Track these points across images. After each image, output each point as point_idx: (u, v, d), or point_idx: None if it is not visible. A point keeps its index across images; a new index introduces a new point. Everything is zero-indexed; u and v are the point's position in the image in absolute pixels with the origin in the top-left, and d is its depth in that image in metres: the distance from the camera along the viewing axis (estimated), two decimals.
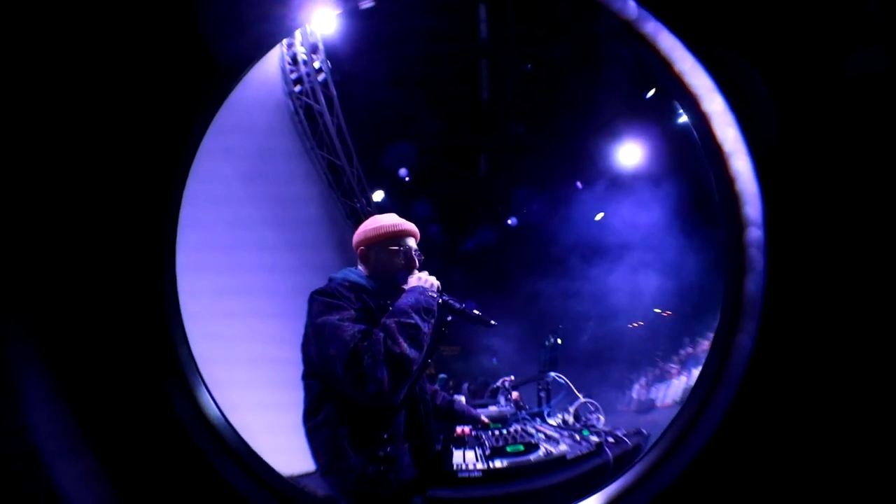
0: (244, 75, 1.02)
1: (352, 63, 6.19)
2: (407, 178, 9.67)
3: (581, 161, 9.72)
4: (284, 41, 4.86)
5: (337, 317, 1.49)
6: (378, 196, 8.98)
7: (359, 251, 1.80)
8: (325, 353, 1.44)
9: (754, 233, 0.89)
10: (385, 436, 1.47)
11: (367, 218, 5.74)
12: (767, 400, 0.86)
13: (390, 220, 1.82)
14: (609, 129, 8.54)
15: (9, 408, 0.80)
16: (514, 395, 3.72)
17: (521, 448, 1.66)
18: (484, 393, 6.10)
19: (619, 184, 9.60)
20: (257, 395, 4.00)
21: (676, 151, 7.49)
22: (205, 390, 1.01)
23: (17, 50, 0.79)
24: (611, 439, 1.84)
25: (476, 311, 1.72)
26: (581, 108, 8.16)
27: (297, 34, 4.99)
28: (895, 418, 0.81)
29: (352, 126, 6.61)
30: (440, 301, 1.66)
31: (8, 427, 0.80)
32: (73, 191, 0.85)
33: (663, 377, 9.80)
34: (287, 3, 0.93)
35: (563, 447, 1.71)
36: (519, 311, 12.40)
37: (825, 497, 0.84)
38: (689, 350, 9.53)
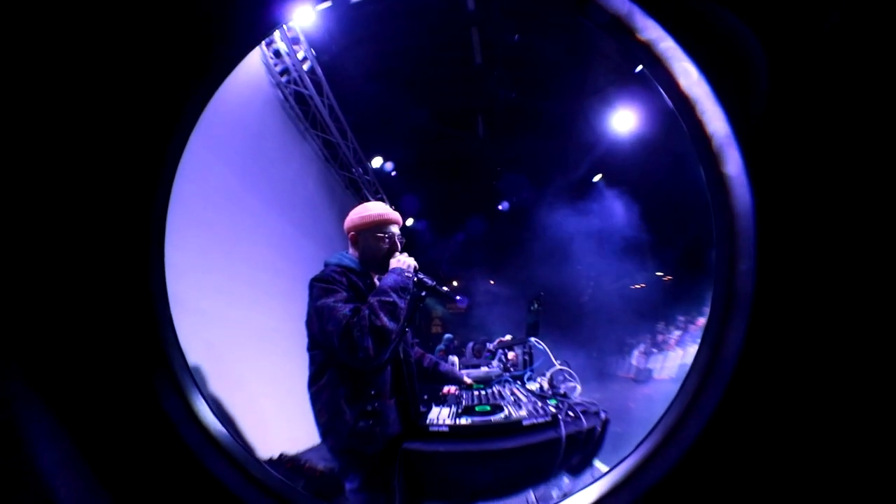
0: (232, 69, 1.03)
1: (339, 42, 6.23)
2: (393, 173, 9.83)
3: (576, 124, 9.72)
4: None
5: (332, 299, 1.77)
6: (377, 162, 9.15)
7: (349, 236, 2.07)
8: (325, 329, 1.73)
9: (744, 223, 0.88)
10: (372, 392, 1.81)
11: (365, 186, 6.01)
12: (758, 395, 0.86)
13: (376, 210, 2.07)
14: (602, 97, 8.53)
15: None
16: (511, 355, 3.96)
17: (488, 408, 1.88)
18: (483, 352, 6.41)
19: (613, 150, 9.67)
20: (263, 364, 4.34)
21: (670, 118, 7.47)
22: (192, 384, 1.03)
23: None
24: (571, 414, 1.88)
25: (444, 288, 2.09)
26: (573, 76, 8.14)
27: (276, 32, 5.05)
28: (886, 411, 0.80)
29: (344, 101, 6.71)
30: (415, 279, 1.95)
31: None
32: (58, 183, 0.85)
33: (662, 346, 10.04)
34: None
35: (522, 412, 1.86)
36: (520, 271, 12.70)
37: (816, 492, 0.84)
38: (684, 321, 9.68)
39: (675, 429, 0.95)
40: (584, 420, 1.83)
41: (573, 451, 1.75)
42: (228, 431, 1.05)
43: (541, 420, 1.76)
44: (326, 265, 1.99)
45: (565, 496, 2.01)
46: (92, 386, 0.88)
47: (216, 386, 3.47)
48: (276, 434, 4.10)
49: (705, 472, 0.89)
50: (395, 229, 2.06)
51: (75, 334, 0.87)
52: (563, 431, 1.72)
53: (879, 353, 0.80)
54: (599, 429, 1.89)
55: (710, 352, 0.94)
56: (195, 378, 1.04)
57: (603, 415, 1.96)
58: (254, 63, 4.86)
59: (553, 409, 1.88)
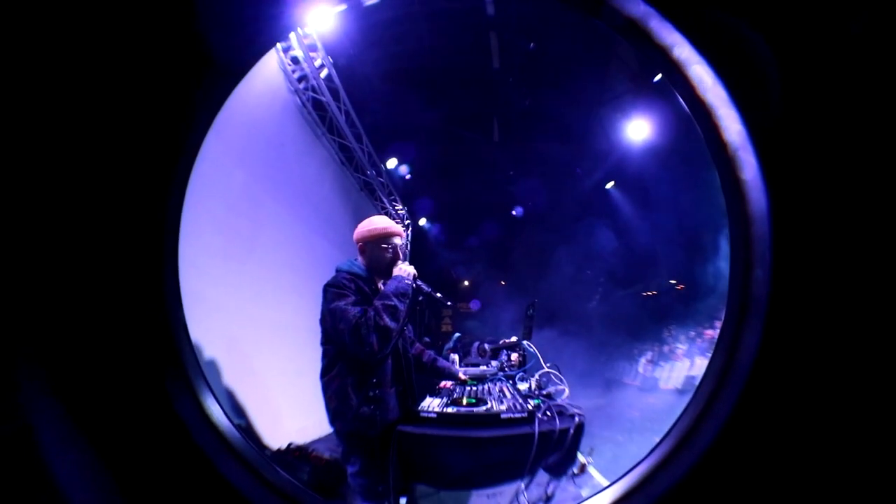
0: (246, 73, 1.05)
1: (357, 44, 6.39)
2: (408, 177, 10.11)
3: (591, 130, 9.81)
4: (280, 45, 5.13)
5: (343, 302, 2.08)
6: (391, 164, 9.40)
7: (358, 246, 2.38)
8: (337, 327, 2.04)
9: (760, 228, 0.87)
10: (374, 380, 2.11)
11: (379, 188, 6.30)
12: (773, 401, 0.85)
13: (381, 224, 2.38)
14: (618, 105, 8.61)
15: (7, 401, 0.81)
16: (514, 357, 4.12)
17: (473, 401, 2.10)
18: (486, 353, 6.54)
19: (629, 158, 9.74)
20: (275, 358, 4.61)
21: (684, 126, 7.56)
22: (205, 387, 1.04)
23: (11, 46, 0.78)
24: (548, 413, 2.02)
25: (438, 294, 2.47)
26: (590, 82, 8.25)
27: (293, 39, 5.24)
28: None
29: (360, 104, 6.95)
30: (414, 286, 2.27)
31: (4, 415, 0.81)
32: (72, 187, 0.85)
33: (669, 356, 10.03)
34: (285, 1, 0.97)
35: (502, 407, 2.04)
36: (530, 273, 12.82)
37: (831, 499, 0.83)
38: (693, 335, 9.65)
39: (689, 434, 0.96)
40: (557, 420, 1.99)
41: (547, 448, 1.90)
42: (240, 433, 1.07)
43: (517, 415, 1.94)
44: (338, 271, 2.28)
45: (549, 499, 2.19)
46: (106, 389, 0.90)
47: (232, 379, 3.71)
48: (285, 425, 4.35)
49: (719, 478, 0.89)
50: (397, 241, 2.37)
51: (89, 338, 0.89)
52: (537, 428, 1.88)
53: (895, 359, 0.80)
54: (572, 430, 2.00)
55: (725, 357, 0.94)
56: (211, 374, 1.08)
57: (577, 418, 2.07)
58: (272, 70, 5.11)
59: (531, 407, 2.04)
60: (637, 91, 8.31)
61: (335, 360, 2.14)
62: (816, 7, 0.78)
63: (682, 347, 9.70)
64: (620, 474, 1.04)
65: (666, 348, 10.19)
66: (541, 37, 7.68)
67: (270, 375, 4.42)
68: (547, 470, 2.05)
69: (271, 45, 1.22)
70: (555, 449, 1.95)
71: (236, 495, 0.97)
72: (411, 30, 7.01)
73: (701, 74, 0.89)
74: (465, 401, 2.13)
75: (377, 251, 2.33)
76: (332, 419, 2.13)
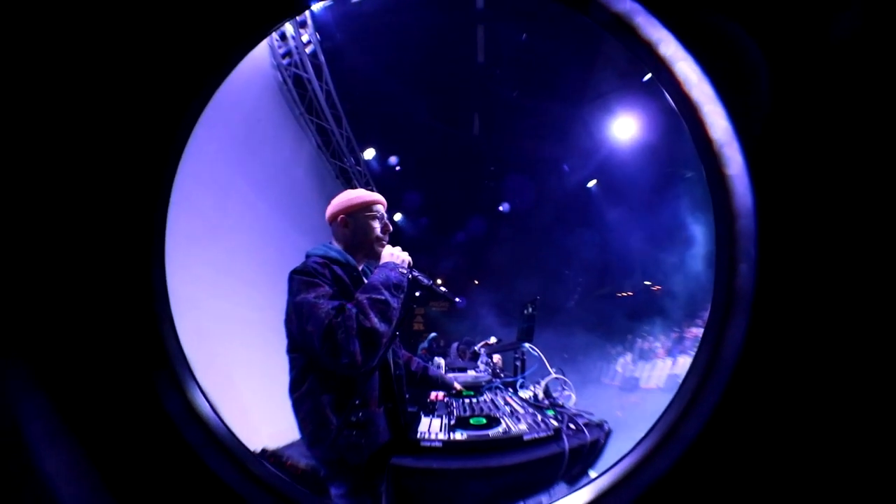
0: (242, 58, 1.00)
1: (344, 29, 6.18)
2: (398, 167, 9.79)
3: (574, 127, 9.72)
4: None
5: (313, 294, 1.57)
6: (369, 154, 9.01)
7: (339, 219, 1.89)
8: (304, 329, 1.53)
9: (745, 223, 0.87)
10: (357, 402, 1.61)
11: (356, 177, 5.97)
12: (757, 395, 0.86)
13: (362, 192, 1.93)
14: (604, 102, 8.54)
15: None
16: (496, 358, 3.83)
17: (484, 421, 1.73)
18: (468, 353, 6.30)
19: (612, 158, 9.69)
20: (243, 357, 4.20)
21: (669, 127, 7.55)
22: (194, 384, 1.01)
23: None
24: (572, 426, 1.78)
25: (443, 288, 1.89)
26: (577, 80, 8.16)
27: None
28: (886, 412, 0.80)
29: (343, 90, 6.67)
30: (410, 277, 1.77)
31: None
32: (59, 180, 0.83)
33: (649, 355, 9.94)
34: None
35: (522, 426, 1.73)
36: (505, 271, 12.67)
37: (815, 492, 0.84)
38: (676, 334, 9.67)
39: (674, 428, 0.95)
40: (587, 432, 1.73)
41: (575, 463, 1.64)
42: (228, 429, 1.05)
43: (542, 434, 1.63)
44: (308, 256, 1.80)
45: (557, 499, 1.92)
46: (94, 385, 0.88)
47: (196, 377, 3.30)
48: (257, 429, 3.95)
49: (704, 471, 0.89)
50: (382, 210, 1.92)
51: (76, 332, 0.87)
52: (567, 445, 1.59)
53: (879, 353, 0.80)
54: (602, 440, 1.78)
55: (710, 351, 0.94)
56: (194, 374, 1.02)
57: (606, 426, 1.84)
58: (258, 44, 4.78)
59: (554, 423, 1.74)
60: (623, 89, 8.29)
61: (305, 372, 1.65)
62: (803, 4, 0.78)
63: (660, 348, 9.67)
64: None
65: (646, 345, 10.14)
66: (528, 32, 7.56)
67: (236, 376, 3.99)
68: (568, 480, 1.75)
69: (275, 25, 1.08)
70: (583, 460, 1.69)
71: (226, 490, 0.96)
72: (398, 20, 6.73)
73: (687, 71, 0.89)
74: (473, 421, 1.75)
75: (363, 221, 1.86)
76: (310, 445, 1.65)
